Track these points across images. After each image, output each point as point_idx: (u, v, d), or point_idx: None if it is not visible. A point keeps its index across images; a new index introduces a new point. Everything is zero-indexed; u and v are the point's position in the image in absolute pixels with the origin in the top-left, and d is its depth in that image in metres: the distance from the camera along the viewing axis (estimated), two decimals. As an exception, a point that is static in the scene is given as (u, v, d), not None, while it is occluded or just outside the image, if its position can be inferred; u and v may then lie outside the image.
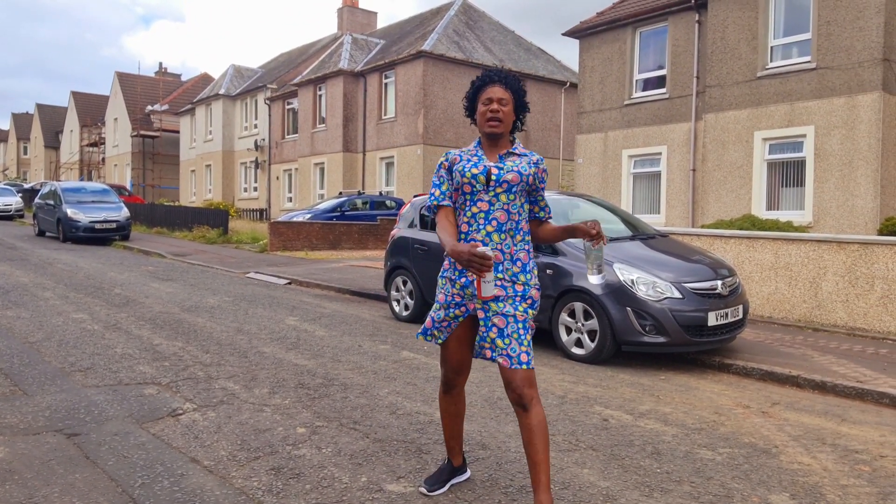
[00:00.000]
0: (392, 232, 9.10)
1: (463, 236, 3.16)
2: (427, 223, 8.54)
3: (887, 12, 12.53)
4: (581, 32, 18.22)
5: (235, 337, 7.17)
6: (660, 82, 16.83)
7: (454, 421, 3.44)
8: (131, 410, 4.63)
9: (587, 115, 18.25)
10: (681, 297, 6.27)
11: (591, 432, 4.45)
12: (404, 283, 8.58)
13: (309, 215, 20.73)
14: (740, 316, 6.68)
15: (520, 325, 3.04)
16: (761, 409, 5.15)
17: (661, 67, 16.80)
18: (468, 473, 3.63)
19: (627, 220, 8.04)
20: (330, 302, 10.08)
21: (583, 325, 6.55)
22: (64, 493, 3.33)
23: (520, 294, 3.08)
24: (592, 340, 6.47)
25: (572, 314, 6.65)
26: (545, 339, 7.20)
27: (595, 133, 18.03)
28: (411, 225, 8.71)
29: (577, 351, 6.59)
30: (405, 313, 8.53)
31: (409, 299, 8.50)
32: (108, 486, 3.43)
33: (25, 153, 71.01)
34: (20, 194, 32.65)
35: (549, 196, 8.22)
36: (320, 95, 28.16)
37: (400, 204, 21.72)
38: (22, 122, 71.77)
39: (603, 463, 3.93)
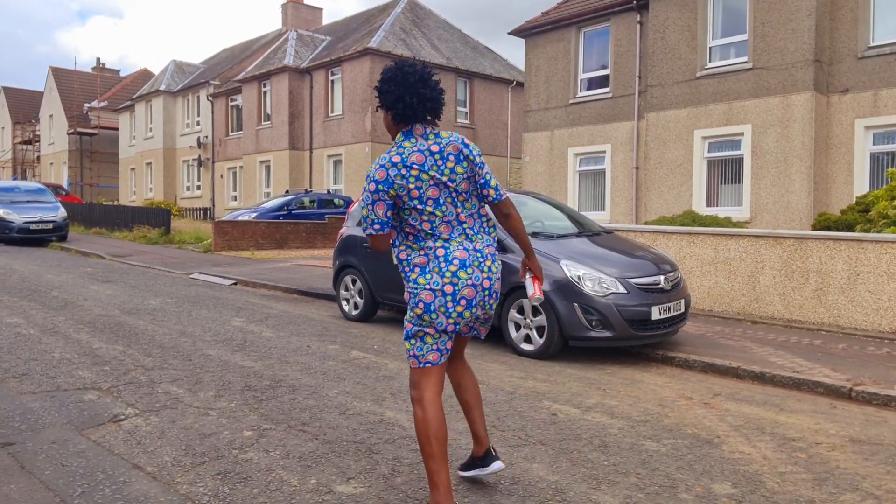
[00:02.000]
0: (340, 231, 9.02)
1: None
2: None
3: (818, 15, 13.05)
4: (527, 31, 18.40)
5: (179, 339, 7.00)
6: (603, 82, 17.13)
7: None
8: (70, 417, 4.47)
9: (533, 113, 18.45)
10: (625, 292, 6.40)
11: (540, 427, 4.50)
12: (353, 281, 8.52)
13: (255, 214, 20.36)
14: (682, 310, 6.86)
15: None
16: (703, 401, 5.30)
17: (604, 67, 17.11)
18: (494, 467, 3.46)
19: (574, 218, 8.16)
20: (277, 302, 9.93)
21: (531, 321, 6.62)
22: (-3, 506, 3.19)
23: None
24: (541, 336, 6.54)
25: (521, 311, 6.71)
26: (494, 335, 7.24)
27: (541, 131, 18.24)
28: (359, 223, 8.65)
29: (525, 347, 6.66)
30: (354, 312, 8.47)
31: (358, 298, 8.45)
32: (45, 497, 3.30)
33: (-48, 151, 67.69)
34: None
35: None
36: (265, 92, 27.71)
37: (348, 202, 21.55)
38: (-52, 118, 68.40)
39: (552, 457, 3.98)
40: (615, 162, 16.78)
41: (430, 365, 3.12)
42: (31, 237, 18.24)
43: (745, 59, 14.01)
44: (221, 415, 4.60)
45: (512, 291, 6.73)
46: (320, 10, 35.00)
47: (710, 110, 14.47)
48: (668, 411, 4.97)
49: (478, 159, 3.22)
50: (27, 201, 19.05)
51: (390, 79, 3.20)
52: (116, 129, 40.63)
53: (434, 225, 3.10)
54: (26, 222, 18.16)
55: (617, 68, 16.66)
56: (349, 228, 8.76)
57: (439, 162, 3.11)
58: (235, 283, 11.95)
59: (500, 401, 5.08)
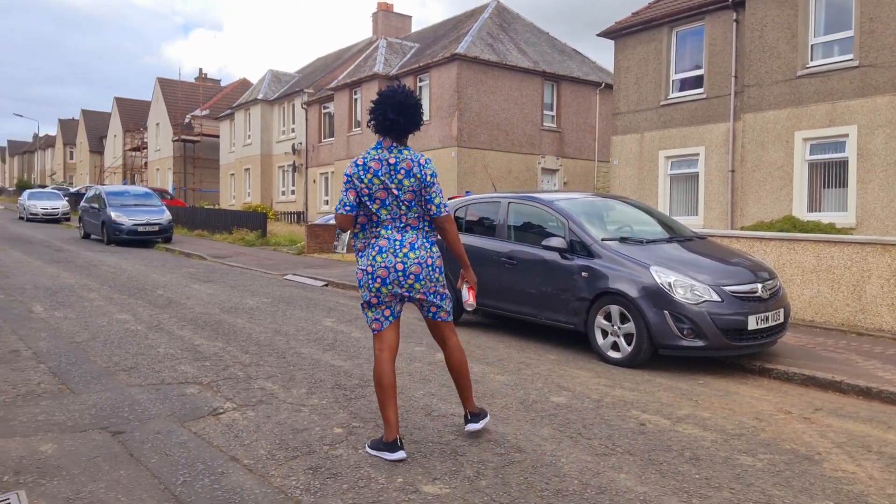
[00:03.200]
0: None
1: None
2: (461, 225, 8.55)
3: (935, 7, 12.16)
4: (616, 33, 18.07)
5: (274, 338, 7.28)
6: (697, 82, 16.59)
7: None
8: (173, 409, 4.74)
9: (623, 116, 18.08)
10: (719, 300, 6.18)
11: (627, 437, 4.42)
12: (439, 285, 8.60)
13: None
14: (781, 319, 6.55)
15: None
16: (803, 415, 5.04)
17: (698, 67, 16.57)
18: (469, 427, 4.25)
19: (664, 222, 7.96)
20: (365, 304, 10.15)
21: (619, 328, 6.50)
22: (109, 490, 3.42)
23: None
24: (629, 344, 6.41)
25: (608, 317, 6.60)
26: (580, 342, 7.16)
27: (631, 134, 17.86)
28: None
29: (613, 354, 6.54)
30: (440, 315, 8.54)
31: (443, 301, 8.52)
32: (151, 484, 3.52)
33: (71, 158, 73.03)
34: (66, 198, 33.62)
35: (585, 198, 8.17)
36: (356, 99, 28.40)
37: (434, 206, 21.74)
38: (68, 127, 73.86)
39: (640, 468, 3.89)
40: (709, 165, 16.20)
41: (376, 331, 4.03)
42: (139, 238, 19.41)
43: (850, 56, 13.23)
44: (313, 411, 4.76)
45: (598, 297, 6.63)
46: (409, 17, 35.59)
47: (811, 111, 13.75)
48: (764, 425, 4.76)
49: (428, 178, 3.91)
50: (135, 205, 20.29)
51: (377, 101, 3.96)
52: (217, 136, 42.67)
53: (382, 220, 3.92)
54: (135, 224, 19.34)
55: (711, 68, 16.10)
56: (436, 232, 8.85)
57: (391, 172, 3.86)
58: (326, 285, 12.31)
59: (586, 408, 5.01)
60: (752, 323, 6.19)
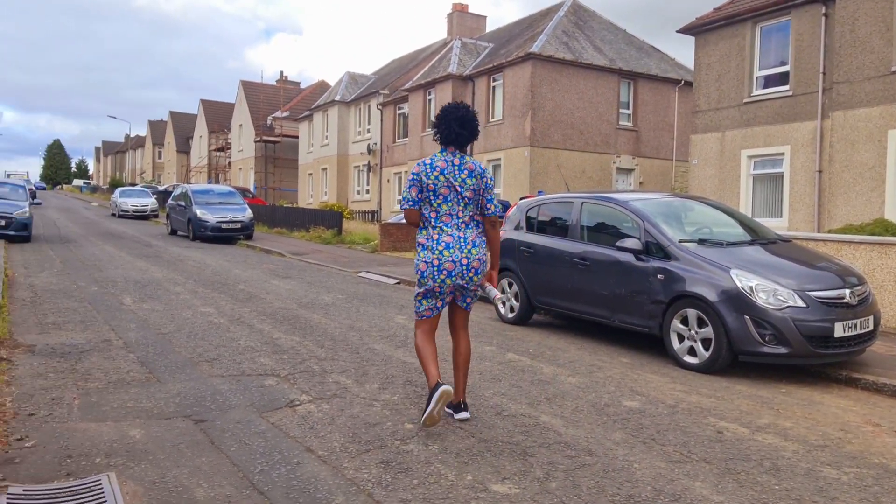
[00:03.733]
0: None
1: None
2: (533, 225, 8.51)
3: None
4: (697, 29, 17.56)
5: (348, 333, 7.44)
6: (782, 79, 15.93)
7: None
8: (252, 400, 4.92)
9: (702, 114, 17.55)
10: (804, 305, 5.92)
11: (704, 444, 4.30)
12: (510, 284, 8.59)
13: (416, 217, 21.09)
14: (871, 327, 6.22)
15: None
16: (893, 428, 4.78)
17: (783, 63, 15.91)
18: (460, 416, 4.59)
19: (746, 224, 7.69)
20: (437, 302, 10.24)
21: (696, 332, 6.32)
22: (192, 475, 3.58)
23: None
24: (706, 349, 6.23)
25: (685, 321, 6.43)
26: (655, 346, 7.01)
27: (711, 133, 17.31)
28: (517, 227, 8.71)
29: (689, 359, 6.37)
30: (510, 315, 8.54)
31: (514, 301, 8.50)
32: (230, 471, 3.66)
33: (160, 157, 76.63)
34: (155, 196, 35.30)
35: (661, 198, 7.99)
36: (429, 100, 28.64)
37: (506, 206, 21.71)
38: (157, 128, 77.53)
39: (717, 476, 3.78)
40: (794, 165, 15.53)
41: (423, 318, 4.55)
42: (222, 235, 20.18)
43: (955, 48, 12.41)
44: (385, 406, 4.84)
45: (675, 300, 6.47)
46: (484, 17, 35.59)
47: (910, 107, 12.97)
48: (851, 437, 4.54)
49: (489, 181, 4.49)
50: (219, 203, 21.10)
51: (442, 116, 4.50)
52: (296, 136, 43.86)
53: (438, 215, 4.40)
54: (218, 222, 20.12)
55: (798, 64, 15.42)
56: (507, 232, 8.84)
57: (456, 172, 4.40)
58: (399, 283, 12.48)
59: (660, 414, 4.90)
60: (839, 330, 5.91)
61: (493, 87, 25.76)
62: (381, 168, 33.57)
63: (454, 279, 4.36)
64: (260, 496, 3.36)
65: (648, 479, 3.70)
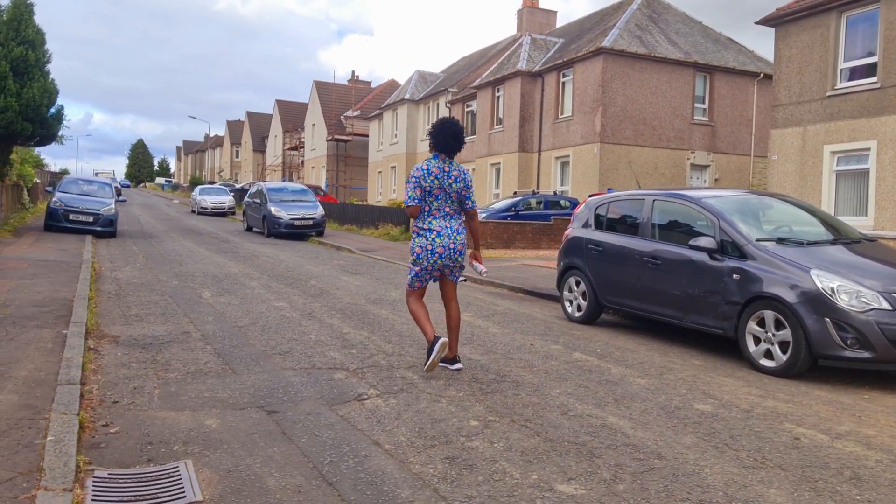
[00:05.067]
0: (566, 232, 9.04)
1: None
2: (602, 223, 8.38)
3: None
4: (777, 20, 16.87)
5: (414, 329, 7.51)
6: (869, 70, 15.11)
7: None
8: (322, 393, 5.04)
9: (783, 108, 16.86)
10: (890, 308, 5.62)
11: (779, 450, 4.14)
12: (577, 283, 8.49)
13: (484, 214, 21.10)
14: (967, 333, 5.85)
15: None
16: None
17: (870, 54, 15.09)
18: (455, 366, 5.74)
19: (828, 223, 7.36)
20: (503, 300, 10.23)
21: (773, 335, 6.09)
22: (264, 465, 3.70)
23: None
24: (784, 352, 5.99)
25: (761, 323, 6.20)
26: (729, 348, 6.80)
27: (792, 127, 16.61)
28: (586, 225, 8.60)
29: (765, 363, 6.15)
30: (577, 314, 8.44)
31: (581, 300, 8.40)
32: (301, 462, 3.77)
33: (237, 156, 79.26)
34: (232, 193, 36.55)
35: (738, 195, 7.73)
36: (498, 97, 28.56)
37: (575, 203, 21.44)
38: (235, 128, 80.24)
39: (792, 484, 3.64)
40: (882, 161, 14.73)
41: (414, 289, 5.69)
42: (295, 232, 20.71)
43: None
44: (450, 403, 4.88)
45: (751, 301, 6.25)
46: (554, 13, 35.24)
47: None
48: (942, 449, 4.28)
49: (469, 183, 5.61)
50: (292, 200, 21.67)
51: (438, 129, 5.54)
52: (367, 135, 44.56)
53: (432, 209, 5.51)
54: (291, 219, 20.66)
55: (887, 55, 14.60)
56: (575, 230, 8.74)
57: (445, 177, 5.49)
58: (464, 280, 12.51)
59: (734, 418, 4.75)
60: (931, 335, 5.58)
61: (563, 83, 25.47)
62: (449, 165, 33.69)
63: (443, 260, 5.53)
64: (329, 487, 3.44)
65: (720, 485, 3.59)
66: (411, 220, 5.63)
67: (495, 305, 9.60)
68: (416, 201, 5.47)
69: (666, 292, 7.18)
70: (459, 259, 5.62)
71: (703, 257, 6.75)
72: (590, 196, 9.22)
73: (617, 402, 5.05)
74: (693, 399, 5.20)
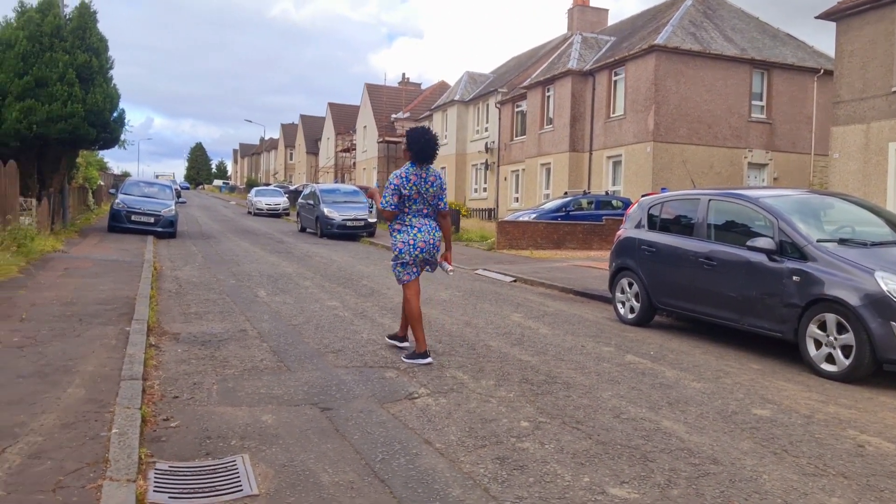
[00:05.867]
0: (618, 232, 8.92)
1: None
2: (655, 223, 8.24)
3: None
4: (839, 14, 16.30)
5: (464, 329, 7.53)
6: (942, 63, 14.47)
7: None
8: (374, 391, 5.10)
9: (845, 104, 16.28)
10: (963, 312, 5.37)
11: (841, 458, 4.01)
12: (630, 284, 8.37)
13: (534, 215, 21.01)
14: None
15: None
16: None
17: (943, 46, 14.44)
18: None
19: (893, 223, 7.07)
20: (553, 301, 10.16)
21: (835, 339, 5.89)
22: (318, 461, 3.77)
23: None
24: (846, 357, 5.79)
25: (822, 326, 6.00)
26: (788, 352, 6.61)
27: (854, 124, 16.02)
28: (638, 225, 8.47)
29: (827, 367, 5.95)
30: (630, 316, 8.32)
31: (634, 302, 8.28)
32: (353, 458, 3.82)
33: (291, 159, 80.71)
34: (286, 195, 37.27)
35: (797, 194, 7.51)
36: (548, 97, 28.37)
37: (627, 204, 21.13)
38: (288, 131, 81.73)
39: (856, 493, 3.52)
40: (954, 158, 14.07)
41: (410, 281, 6.05)
42: (346, 232, 20.99)
43: None
44: (501, 403, 4.87)
45: (811, 304, 6.07)
46: (606, 11, 34.81)
47: None
48: None
49: (444, 187, 6.10)
50: (344, 202, 21.96)
51: (415, 137, 5.93)
52: (416, 136, 44.76)
53: (411, 211, 5.97)
54: (344, 219, 20.95)
55: (961, 46, 13.95)
56: (627, 230, 8.62)
57: (423, 182, 5.93)
58: (515, 281, 12.47)
59: (793, 424, 4.62)
60: None
61: (615, 82, 25.14)
62: (498, 166, 33.64)
63: (424, 254, 5.98)
64: (381, 484, 3.48)
65: (779, 492, 3.50)
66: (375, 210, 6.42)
67: (545, 306, 9.55)
68: (393, 207, 5.94)
69: (722, 294, 7.02)
70: (436, 254, 6.11)
71: (761, 258, 6.58)
72: (643, 196, 9.07)
73: (671, 405, 4.97)
74: (751, 404, 5.07)
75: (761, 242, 6.54)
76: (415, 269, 6.03)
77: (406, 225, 5.97)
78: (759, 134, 24.15)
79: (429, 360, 5.90)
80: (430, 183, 5.95)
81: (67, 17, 16.93)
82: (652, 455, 3.97)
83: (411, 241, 5.93)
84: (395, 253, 6.02)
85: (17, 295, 7.98)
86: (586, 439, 4.19)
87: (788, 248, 6.39)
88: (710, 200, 7.55)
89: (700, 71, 23.06)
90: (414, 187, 5.88)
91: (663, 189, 18.34)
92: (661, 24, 24.31)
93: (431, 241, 6.00)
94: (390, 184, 5.89)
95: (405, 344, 6.35)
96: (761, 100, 24.38)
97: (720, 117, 23.49)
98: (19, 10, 16.39)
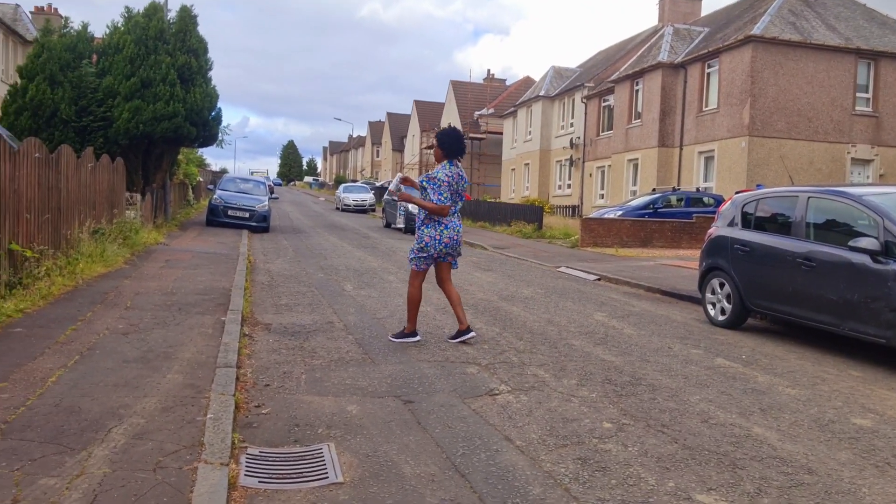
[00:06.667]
0: (709, 231, 8.62)
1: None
2: (750, 222, 7.91)
3: None
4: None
5: (546, 327, 7.48)
6: None
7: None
8: (455, 386, 5.14)
9: (965, 94, 15.07)
10: None
11: (952, 475, 3.74)
12: (721, 285, 8.07)
13: (620, 212, 20.55)
14: None
15: (410, 249, 6.52)
16: None
17: None
18: (469, 335, 6.52)
19: None
20: (639, 300, 9.93)
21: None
22: (400, 452, 3.84)
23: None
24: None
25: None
26: (893, 359, 6.21)
27: (976, 116, 14.81)
28: (731, 223, 8.15)
29: (937, 377, 5.56)
30: (721, 318, 8.02)
31: (725, 303, 7.98)
32: (434, 452, 3.87)
33: (377, 156, 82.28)
34: (372, 191, 38.02)
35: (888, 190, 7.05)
36: (637, 90, 27.67)
37: (719, 201, 20.35)
38: (375, 129, 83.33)
39: (968, 513, 3.28)
40: None
41: (420, 270, 6.42)
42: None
43: None
44: (583, 403, 4.82)
45: (921, 309, 5.67)
46: (699, 1, 33.55)
47: None
48: None
49: (465, 183, 6.48)
50: (428, 198, 22.19)
51: (448, 136, 6.38)
52: (501, 133, 44.71)
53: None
54: (426, 216, 21.17)
55: None
56: (719, 228, 8.32)
57: (459, 180, 6.33)
58: (599, 279, 12.27)
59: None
60: None
61: (708, 74, 24.25)
62: (583, 162, 33.12)
63: (448, 249, 6.35)
64: (461, 478, 3.51)
65: (880, 508, 3.31)
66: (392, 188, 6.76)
67: (630, 306, 9.35)
68: (449, 201, 6.30)
69: (821, 297, 6.67)
70: (458, 249, 6.48)
71: (864, 260, 6.21)
72: (737, 193, 8.73)
73: (763, 411, 4.77)
74: (850, 412, 4.80)
75: (864, 243, 6.17)
76: (430, 262, 6.43)
77: (434, 221, 6.30)
78: (864, 128, 22.74)
79: (417, 337, 6.49)
80: (462, 178, 6.38)
81: (170, 20, 17.85)
82: (741, 462, 3.83)
83: (437, 237, 6.29)
84: (421, 245, 6.33)
85: (123, 285, 8.51)
86: (672, 443, 4.09)
87: (894, 248, 6.01)
88: (809, 198, 7.18)
89: (800, 62, 21.92)
90: (454, 185, 6.30)
91: (759, 186, 17.55)
92: (759, 14, 23.25)
93: (456, 238, 6.37)
94: (441, 182, 6.22)
95: (471, 334, 6.50)
96: (867, 92, 22.93)
97: (821, 110, 22.26)
98: (126, 15, 17.41)
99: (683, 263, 14.21)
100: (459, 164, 6.39)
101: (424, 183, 6.33)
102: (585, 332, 7.37)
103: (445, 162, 6.33)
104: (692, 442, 4.12)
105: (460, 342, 6.49)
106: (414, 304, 6.47)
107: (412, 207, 21.30)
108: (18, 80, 16.22)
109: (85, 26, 17.16)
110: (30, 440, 3.54)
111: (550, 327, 7.54)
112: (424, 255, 6.36)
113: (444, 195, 6.22)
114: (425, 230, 6.34)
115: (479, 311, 8.34)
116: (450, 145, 6.34)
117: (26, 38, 30.04)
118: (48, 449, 3.44)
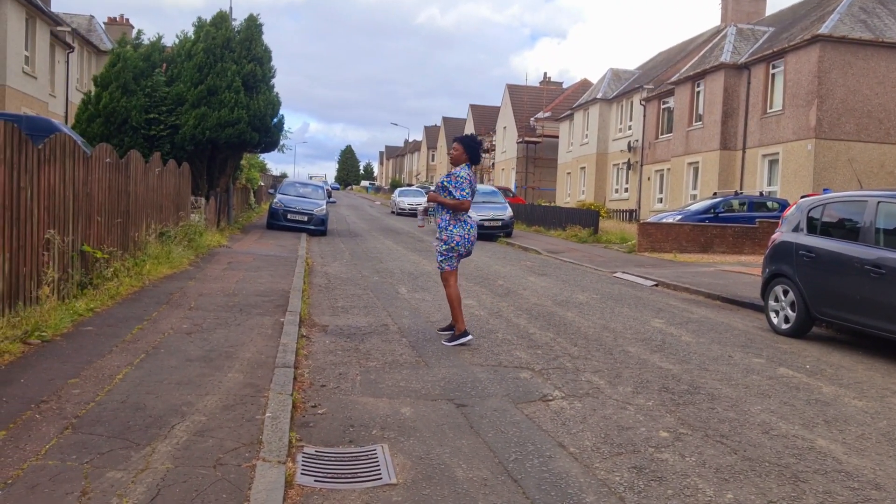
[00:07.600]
0: (773, 236, 8.36)
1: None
2: (816, 227, 7.64)
3: None
4: None
5: (601, 333, 7.39)
6: None
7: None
8: (508, 390, 5.13)
9: None
10: None
11: None
12: (785, 292, 7.82)
13: (679, 217, 20.11)
14: None
15: (437, 252, 6.75)
16: None
17: None
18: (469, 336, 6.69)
19: None
20: (698, 307, 9.70)
21: None
22: (452, 455, 3.86)
23: (439, 239, 6.69)
24: None
25: None
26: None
27: None
28: (796, 229, 7.89)
29: None
30: (784, 326, 7.77)
31: (789, 311, 7.72)
32: (487, 456, 3.87)
33: (433, 160, 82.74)
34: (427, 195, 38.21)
35: None
36: (698, 92, 27.05)
37: (784, 205, 19.70)
38: (431, 133, 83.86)
39: None
40: None
41: (453, 269, 6.68)
42: (484, 232, 21.14)
43: None
44: (639, 411, 4.74)
45: None
46: (763, 0, 32.63)
47: None
48: None
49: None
50: (483, 202, 22.16)
51: (473, 141, 6.89)
52: (557, 136, 44.38)
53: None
54: (481, 219, 21.13)
55: None
56: (783, 234, 8.06)
57: (475, 179, 6.77)
58: (656, 285, 12.03)
59: (975, 453, 4.13)
60: None
61: (773, 75, 23.54)
62: (641, 165, 32.56)
63: (470, 246, 6.76)
64: (514, 484, 3.50)
65: (955, 529, 3.15)
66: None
67: (689, 313, 9.14)
68: (470, 197, 6.69)
69: (891, 305, 6.39)
70: (472, 248, 6.90)
71: (940, 268, 5.92)
72: (802, 197, 8.44)
73: (828, 423, 4.60)
74: (923, 428, 4.59)
75: (941, 250, 5.88)
76: (459, 259, 6.78)
77: (461, 220, 6.66)
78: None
79: (469, 337, 6.64)
80: (477, 180, 7.00)
81: (236, 29, 18.38)
82: (804, 475, 3.70)
83: (466, 235, 6.68)
84: (451, 245, 6.63)
85: (188, 286, 8.79)
86: (731, 454, 3.98)
87: (975, 256, 5.71)
88: (879, 203, 6.90)
89: (871, 61, 21.06)
90: (473, 184, 6.76)
91: (826, 190, 16.92)
92: (827, 12, 22.44)
93: (476, 235, 6.89)
94: (464, 179, 6.61)
95: (469, 338, 6.62)
96: (944, 91, 21.83)
97: (893, 111, 21.33)
98: (196, 24, 18.02)
99: (745, 270, 13.81)
100: (472, 167, 6.91)
101: (446, 182, 6.70)
102: (642, 338, 7.25)
103: (464, 165, 6.72)
104: (752, 453, 4.01)
105: (445, 333, 6.91)
106: (457, 302, 6.69)
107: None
108: (93, 89, 16.98)
109: (159, 38, 17.95)
110: (98, 434, 3.69)
111: (606, 333, 7.44)
112: (454, 253, 6.70)
113: (466, 191, 6.60)
114: (454, 230, 6.66)
115: (532, 316, 8.29)
116: (473, 150, 6.83)
117: (100, 48, 31.44)
118: (115, 443, 3.59)
